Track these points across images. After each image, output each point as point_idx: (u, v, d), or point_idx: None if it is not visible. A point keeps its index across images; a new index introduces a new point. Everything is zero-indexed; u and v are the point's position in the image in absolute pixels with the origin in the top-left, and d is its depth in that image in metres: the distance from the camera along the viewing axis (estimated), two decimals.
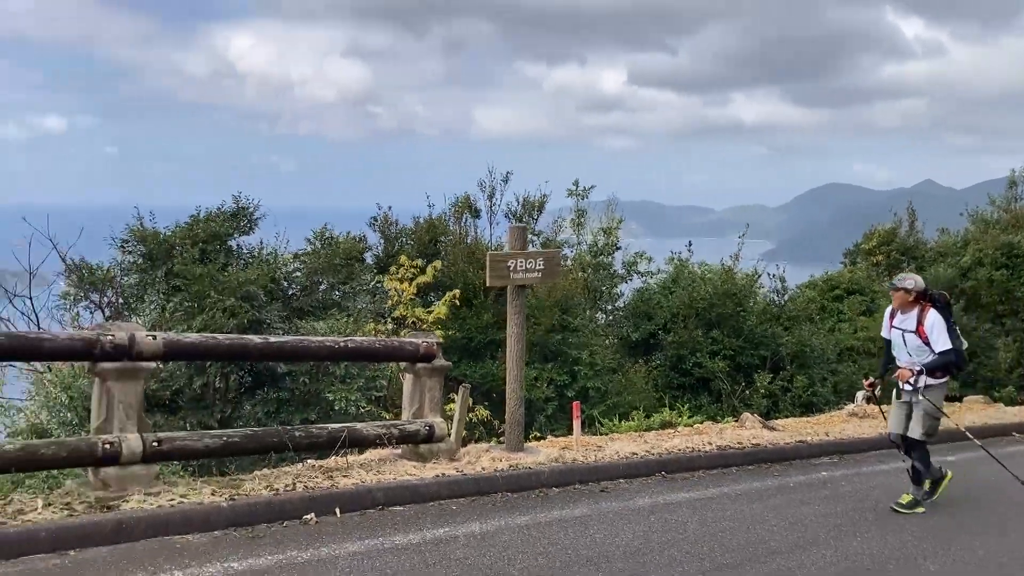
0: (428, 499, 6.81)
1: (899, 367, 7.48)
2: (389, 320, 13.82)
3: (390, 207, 16.20)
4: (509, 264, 7.79)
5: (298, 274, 13.85)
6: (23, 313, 14.00)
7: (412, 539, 5.90)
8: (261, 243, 13.85)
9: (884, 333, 7.78)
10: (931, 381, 7.37)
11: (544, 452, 8.12)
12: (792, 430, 10.51)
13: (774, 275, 18.70)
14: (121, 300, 13.59)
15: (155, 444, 6.01)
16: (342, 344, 7.12)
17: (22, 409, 12.94)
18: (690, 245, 19.01)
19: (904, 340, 7.49)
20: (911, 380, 7.32)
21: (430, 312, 13.45)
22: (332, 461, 7.32)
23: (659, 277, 17.94)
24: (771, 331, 16.86)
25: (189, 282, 12.14)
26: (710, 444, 9.12)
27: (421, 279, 12.86)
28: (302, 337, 7.41)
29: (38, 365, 12.16)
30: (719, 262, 18.41)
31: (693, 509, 7.10)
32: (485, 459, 7.72)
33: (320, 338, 7.32)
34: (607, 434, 10.01)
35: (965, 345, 7.60)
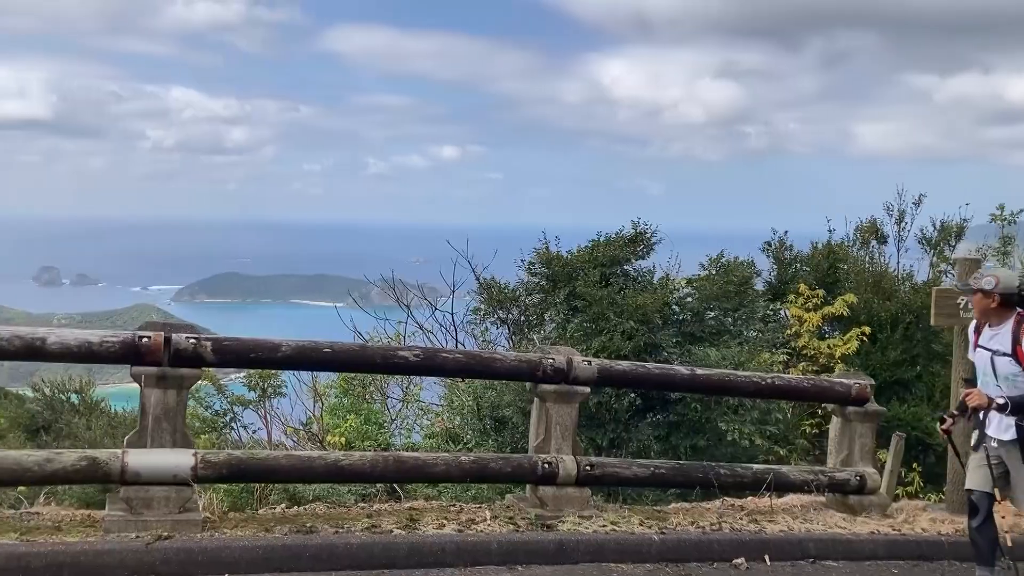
0: (863, 557, 6.21)
1: (972, 391, 5.20)
2: (782, 351, 13.19)
3: (786, 231, 15.48)
4: (959, 302, 6.92)
5: (690, 299, 13.74)
6: (441, 324, 15.49)
7: None
8: (653, 267, 13.96)
9: (970, 355, 5.49)
10: None
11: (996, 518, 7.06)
12: None
13: None
14: (523, 318, 14.44)
15: (587, 468, 6.12)
16: (768, 381, 6.79)
17: (438, 413, 14.25)
18: None
19: (993, 365, 5.22)
20: (990, 413, 5.08)
21: (834, 346, 12.61)
22: (751, 502, 7.00)
23: None
24: None
25: (588, 304, 12.55)
26: None
27: (828, 310, 12.05)
28: (727, 371, 7.20)
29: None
30: None
31: None
32: (923, 519, 6.91)
33: (746, 374, 7.06)
34: None
35: None
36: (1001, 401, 5.09)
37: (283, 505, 6.32)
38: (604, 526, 5.91)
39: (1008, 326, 5.18)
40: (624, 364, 6.56)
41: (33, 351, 5.12)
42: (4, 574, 4.52)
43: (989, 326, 5.32)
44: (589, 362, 6.20)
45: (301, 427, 15.12)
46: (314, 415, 15.03)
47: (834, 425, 7.14)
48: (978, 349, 5.37)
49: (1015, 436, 5.16)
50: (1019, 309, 5.20)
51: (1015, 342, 5.13)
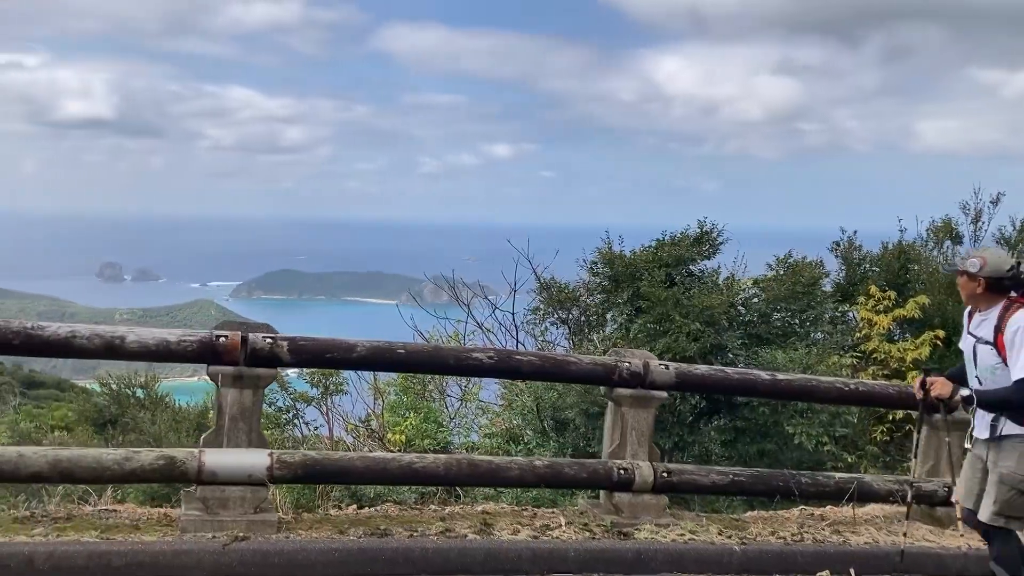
0: (954, 573, 5.95)
1: (937, 379, 4.74)
2: (850, 355, 12.83)
3: (855, 231, 15.06)
4: None
5: (756, 300, 13.43)
6: (501, 324, 15.38)
7: None
8: (719, 267, 13.68)
9: (962, 344, 4.93)
10: (1016, 429, 4.52)
11: None
12: None
13: None
14: (583, 318, 14.26)
15: (664, 475, 5.96)
16: (852, 387, 6.54)
17: (498, 413, 14.14)
18: None
19: (975, 355, 4.71)
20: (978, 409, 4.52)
21: (905, 350, 12.22)
22: (831, 512, 6.76)
23: None
24: None
25: (652, 304, 12.32)
26: None
27: (899, 312, 11.67)
28: (808, 376, 6.97)
29: None
30: None
31: None
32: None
33: (829, 379, 6.81)
34: None
35: None
36: (965, 393, 4.68)
37: (354, 506, 6.26)
38: (682, 535, 5.74)
39: (995, 312, 4.66)
40: (703, 368, 6.36)
41: (112, 350, 5.12)
42: (86, 571, 4.53)
43: (978, 311, 4.80)
44: (666, 366, 6.02)
45: (360, 424, 15.16)
46: (373, 412, 15.06)
47: (920, 433, 6.84)
48: (967, 336, 4.90)
49: (989, 435, 4.75)
50: (1012, 294, 4.67)
51: (996, 330, 4.61)
